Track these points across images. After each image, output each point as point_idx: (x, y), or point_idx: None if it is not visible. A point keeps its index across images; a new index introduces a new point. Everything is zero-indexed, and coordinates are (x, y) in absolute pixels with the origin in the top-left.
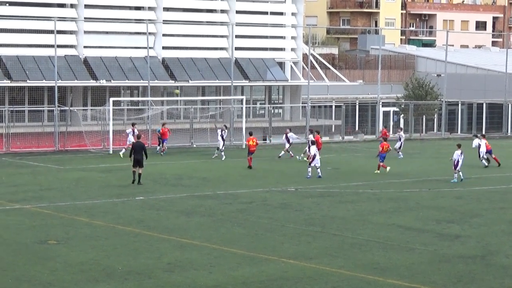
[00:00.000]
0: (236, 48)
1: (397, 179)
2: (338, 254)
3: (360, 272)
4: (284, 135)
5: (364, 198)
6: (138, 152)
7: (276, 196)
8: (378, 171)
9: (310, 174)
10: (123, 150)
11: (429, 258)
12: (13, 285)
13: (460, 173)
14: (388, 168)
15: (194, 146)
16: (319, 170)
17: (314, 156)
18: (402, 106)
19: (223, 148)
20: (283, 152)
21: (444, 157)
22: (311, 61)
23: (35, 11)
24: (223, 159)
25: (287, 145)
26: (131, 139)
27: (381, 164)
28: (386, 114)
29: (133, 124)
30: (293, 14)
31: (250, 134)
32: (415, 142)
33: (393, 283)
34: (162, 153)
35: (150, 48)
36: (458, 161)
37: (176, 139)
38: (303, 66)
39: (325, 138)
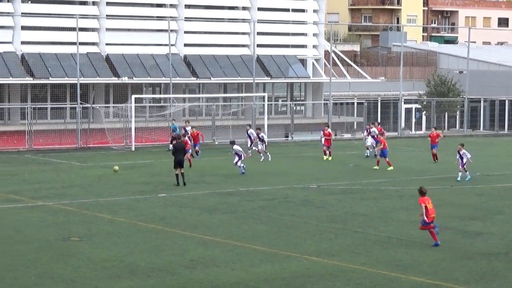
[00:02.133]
0: (258, 45)
1: (419, 176)
2: (360, 251)
3: (382, 269)
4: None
5: (386, 195)
6: (180, 153)
7: (298, 193)
8: (392, 167)
9: (243, 170)
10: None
11: (452, 255)
12: (36, 282)
13: (467, 172)
14: (377, 167)
15: (216, 143)
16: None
17: (240, 155)
18: (424, 103)
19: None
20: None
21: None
22: (332, 58)
23: (57, 8)
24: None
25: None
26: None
27: (386, 160)
28: (408, 111)
29: (187, 121)
30: (314, 11)
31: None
32: None
33: (415, 280)
34: (197, 155)
35: (172, 45)
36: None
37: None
38: (324, 63)
39: (347, 135)
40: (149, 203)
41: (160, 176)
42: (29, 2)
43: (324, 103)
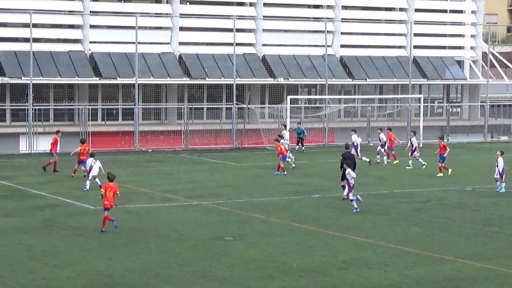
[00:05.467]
0: (415, 47)
1: None
2: None
3: None
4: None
5: None
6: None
7: (452, 195)
8: (441, 174)
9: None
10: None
11: None
12: (189, 280)
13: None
14: (450, 170)
15: (371, 144)
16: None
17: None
18: None
19: None
20: None
21: None
22: (490, 59)
23: (214, 9)
24: None
25: None
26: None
27: (442, 165)
28: None
29: (354, 130)
30: (472, 12)
31: (83, 142)
32: None
33: None
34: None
35: (328, 46)
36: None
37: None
38: (482, 65)
39: (504, 138)
40: (303, 204)
41: (313, 177)
42: (187, 3)
43: (481, 105)
